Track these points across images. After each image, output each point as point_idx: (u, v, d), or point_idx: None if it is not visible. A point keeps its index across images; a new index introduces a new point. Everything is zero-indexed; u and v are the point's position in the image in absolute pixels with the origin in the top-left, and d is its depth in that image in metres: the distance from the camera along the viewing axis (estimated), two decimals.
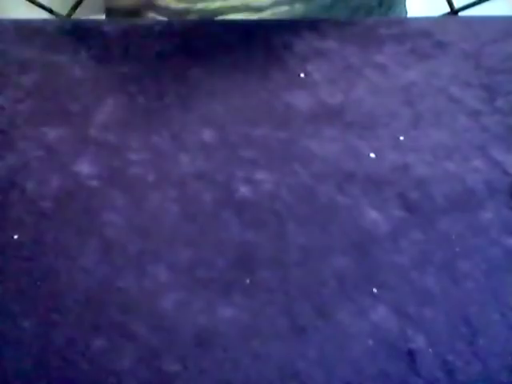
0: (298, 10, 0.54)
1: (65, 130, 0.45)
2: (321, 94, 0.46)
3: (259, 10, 0.55)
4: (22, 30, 0.51)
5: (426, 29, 0.50)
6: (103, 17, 0.66)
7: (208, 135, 0.45)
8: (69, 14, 1.05)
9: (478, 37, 0.50)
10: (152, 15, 0.49)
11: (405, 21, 0.51)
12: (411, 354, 0.36)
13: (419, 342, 0.37)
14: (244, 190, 0.42)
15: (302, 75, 0.47)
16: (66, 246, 0.40)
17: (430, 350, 0.36)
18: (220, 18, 0.55)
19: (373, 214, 0.41)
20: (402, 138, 0.44)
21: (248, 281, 0.39)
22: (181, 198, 0.42)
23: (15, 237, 0.40)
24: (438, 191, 0.42)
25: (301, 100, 0.46)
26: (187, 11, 0.55)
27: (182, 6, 0.54)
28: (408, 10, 0.69)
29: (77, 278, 0.39)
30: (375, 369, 0.36)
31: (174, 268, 0.39)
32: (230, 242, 0.40)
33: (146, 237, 0.40)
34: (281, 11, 0.55)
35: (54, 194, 0.42)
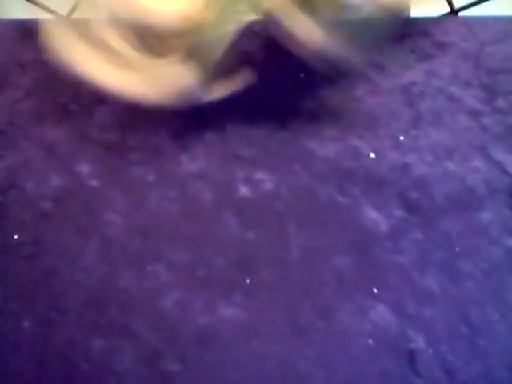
0: None
1: (65, 130, 0.45)
2: (321, 94, 0.46)
3: None
4: (22, 29, 0.51)
5: (425, 29, 0.50)
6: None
7: (208, 135, 0.45)
8: (69, 14, 1.05)
9: (477, 37, 0.50)
10: None
11: (405, 21, 0.51)
12: (411, 353, 0.36)
13: (419, 341, 0.37)
14: (244, 190, 0.42)
15: (302, 75, 0.47)
16: (66, 246, 0.40)
17: (430, 350, 0.36)
18: None
19: (373, 214, 0.41)
20: (402, 137, 0.44)
21: (248, 281, 0.39)
22: (181, 198, 0.42)
23: (15, 237, 0.40)
24: (438, 191, 0.42)
25: (301, 100, 0.46)
26: None
27: None
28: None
29: (77, 278, 0.39)
30: (375, 369, 0.36)
31: (174, 268, 0.39)
32: (230, 242, 0.40)
33: (145, 237, 0.40)
34: None
35: (54, 194, 0.42)
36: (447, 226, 0.41)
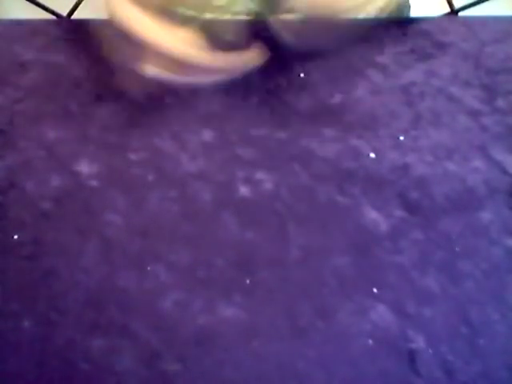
0: None
1: (65, 130, 0.45)
2: (321, 94, 0.46)
3: None
4: (22, 29, 0.51)
5: (425, 29, 0.50)
6: (103, 17, 0.66)
7: (208, 135, 0.45)
8: (69, 14, 1.05)
9: (477, 37, 0.50)
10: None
11: (405, 21, 0.51)
12: (411, 353, 0.36)
13: (419, 341, 0.37)
14: (244, 190, 0.42)
15: (302, 75, 0.47)
16: (66, 246, 0.40)
17: (430, 350, 0.36)
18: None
19: (373, 214, 0.41)
20: (402, 137, 0.44)
21: (248, 281, 0.39)
22: (181, 198, 0.42)
23: (15, 237, 0.40)
24: (438, 191, 0.42)
25: (301, 100, 0.46)
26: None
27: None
28: None
29: (77, 278, 0.39)
30: (375, 369, 0.36)
31: (173, 268, 0.39)
32: (229, 242, 0.40)
33: (145, 237, 0.40)
34: None
35: (53, 194, 0.42)
36: (447, 226, 0.41)
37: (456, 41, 0.50)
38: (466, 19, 0.53)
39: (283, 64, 0.47)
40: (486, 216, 0.41)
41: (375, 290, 0.38)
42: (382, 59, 0.49)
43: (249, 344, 0.37)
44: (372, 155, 0.43)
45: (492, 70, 0.48)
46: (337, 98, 0.46)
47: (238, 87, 0.47)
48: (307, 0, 0.41)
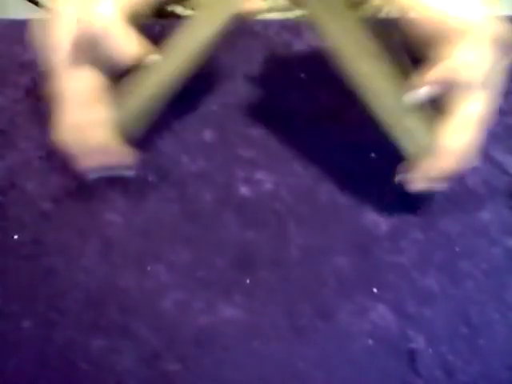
0: None
1: None
2: (321, 94, 0.46)
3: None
4: (22, 30, 0.51)
5: None
6: None
7: (208, 135, 0.45)
8: None
9: None
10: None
11: None
12: (411, 353, 0.36)
13: (419, 341, 0.37)
14: (244, 190, 0.42)
15: (302, 75, 0.47)
16: (65, 246, 0.40)
17: (430, 349, 0.36)
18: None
19: (373, 214, 0.41)
20: None
21: (248, 281, 0.39)
22: (181, 198, 0.42)
23: (15, 237, 0.40)
24: (438, 191, 0.42)
25: (301, 100, 0.46)
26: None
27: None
28: None
29: (77, 278, 0.39)
30: (375, 369, 0.36)
31: (174, 268, 0.39)
32: (230, 242, 0.40)
33: (146, 237, 0.40)
34: None
35: (54, 194, 0.42)
36: (447, 225, 0.41)
37: None
38: None
39: (283, 64, 0.47)
40: (485, 216, 0.41)
41: (375, 290, 0.38)
42: None
43: (249, 344, 0.37)
44: (372, 155, 0.43)
45: None
46: (337, 98, 0.46)
47: (239, 87, 0.47)
48: None
